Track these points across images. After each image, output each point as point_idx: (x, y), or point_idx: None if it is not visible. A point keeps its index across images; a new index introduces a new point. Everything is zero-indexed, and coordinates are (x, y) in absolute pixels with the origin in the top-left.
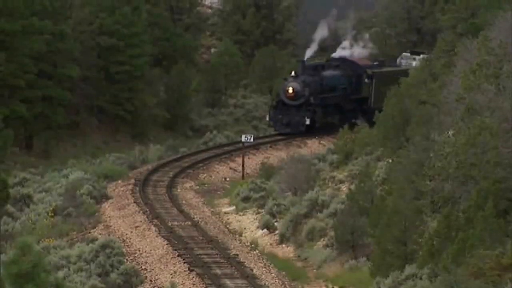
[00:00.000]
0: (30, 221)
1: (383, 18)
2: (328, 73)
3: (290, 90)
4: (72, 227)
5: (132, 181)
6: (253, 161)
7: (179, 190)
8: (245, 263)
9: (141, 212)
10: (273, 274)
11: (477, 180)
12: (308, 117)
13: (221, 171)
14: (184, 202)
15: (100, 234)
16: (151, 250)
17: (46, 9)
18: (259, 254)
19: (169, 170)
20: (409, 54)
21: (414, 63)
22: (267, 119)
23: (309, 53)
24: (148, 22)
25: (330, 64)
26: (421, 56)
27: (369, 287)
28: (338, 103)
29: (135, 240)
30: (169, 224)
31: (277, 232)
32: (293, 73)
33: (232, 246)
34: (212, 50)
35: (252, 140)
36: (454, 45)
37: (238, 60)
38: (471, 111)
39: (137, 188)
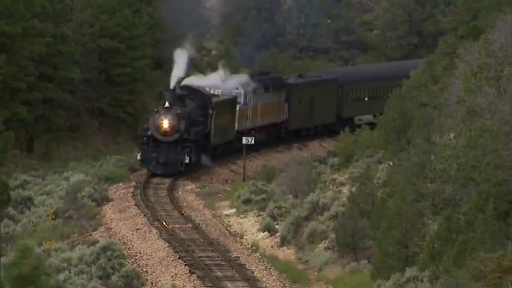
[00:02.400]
0: (31, 224)
1: (384, 21)
2: (189, 103)
3: (166, 125)
4: (73, 230)
5: (133, 183)
6: (254, 164)
7: (180, 193)
8: (246, 266)
9: (142, 214)
10: (274, 277)
11: (477, 182)
12: (187, 155)
13: (222, 174)
14: (185, 204)
15: (101, 237)
16: (152, 252)
17: (46, 11)
18: (260, 256)
19: None
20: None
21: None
22: (138, 158)
23: (175, 79)
24: (149, 24)
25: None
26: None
27: None
28: (201, 138)
29: (136, 242)
30: (170, 226)
31: (278, 234)
32: (167, 103)
33: (233, 249)
34: (213, 52)
35: (253, 142)
36: (455, 48)
37: (238, 62)
38: (471, 114)
39: (138, 191)
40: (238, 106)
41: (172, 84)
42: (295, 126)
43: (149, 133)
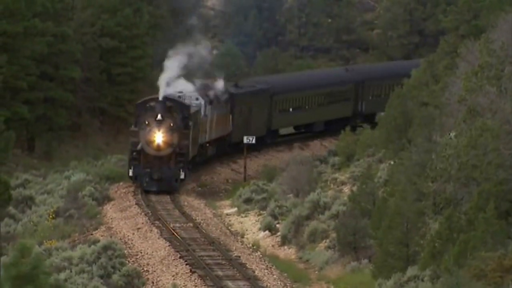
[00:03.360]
0: (32, 223)
1: (385, 20)
2: (175, 115)
3: (159, 139)
4: (74, 229)
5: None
6: (255, 163)
7: (180, 192)
8: (247, 265)
9: (142, 214)
10: (275, 276)
11: (478, 181)
12: (182, 170)
13: (223, 173)
14: (185, 203)
15: (102, 236)
16: (153, 251)
17: (48, 10)
18: (261, 255)
19: None
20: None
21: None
22: (129, 174)
23: (163, 89)
24: (149, 24)
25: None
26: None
27: None
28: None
29: (137, 241)
30: (171, 225)
31: (279, 233)
32: (159, 116)
33: (234, 248)
34: (215, 51)
35: (253, 141)
36: (456, 47)
37: (240, 61)
38: (472, 113)
39: (139, 190)
40: (201, 118)
41: (161, 93)
42: (237, 138)
43: (139, 147)
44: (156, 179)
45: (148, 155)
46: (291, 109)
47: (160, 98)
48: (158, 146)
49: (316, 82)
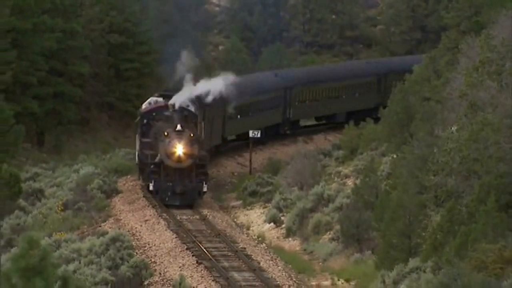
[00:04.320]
0: (41, 215)
1: (388, 16)
2: (191, 125)
3: (180, 151)
4: (82, 221)
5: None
6: (260, 157)
7: None
8: (252, 256)
9: (150, 206)
10: (279, 267)
11: (479, 175)
12: (205, 182)
13: (229, 166)
14: None
15: (110, 228)
16: (160, 243)
17: (56, 7)
18: (266, 247)
19: None
20: (160, 99)
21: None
22: (150, 188)
23: (181, 97)
24: (156, 20)
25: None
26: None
27: (374, 280)
28: None
29: (144, 233)
30: (178, 218)
31: (283, 226)
32: (179, 127)
33: (239, 240)
34: (220, 47)
35: (259, 135)
36: (457, 43)
37: (245, 57)
38: (474, 108)
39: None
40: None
41: (178, 103)
42: (207, 147)
43: (157, 159)
44: (179, 193)
45: (169, 168)
46: (239, 117)
47: (176, 107)
48: (179, 158)
49: (254, 89)
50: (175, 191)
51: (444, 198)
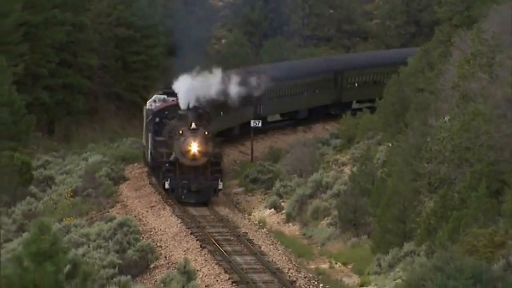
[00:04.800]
0: (52, 201)
1: (384, 11)
2: (205, 123)
3: (195, 149)
4: (91, 207)
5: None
6: (261, 145)
7: None
8: (254, 241)
9: (156, 193)
10: (280, 251)
11: (471, 162)
12: (220, 180)
13: (231, 154)
14: None
15: (117, 213)
16: (165, 228)
17: (66, 1)
18: (267, 232)
19: None
20: (163, 97)
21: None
22: (166, 187)
23: (184, 97)
24: (162, 14)
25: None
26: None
27: (370, 263)
28: None
29: (150, 219)
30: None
31: (283, 211)
32: (193, 125)
33: (241, 225)
34: (223, 41)
35: (260, 125)
36: (450, 36)
37: (247, 50)
38: (465, 98)
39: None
40: None
41: (191, 101)
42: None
43: (172, 158)
44: (194, 191)
45: (184, 166)
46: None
47: (191, 105)
48: (194, 155)
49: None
50: (191, 188)
51: (437, 185)
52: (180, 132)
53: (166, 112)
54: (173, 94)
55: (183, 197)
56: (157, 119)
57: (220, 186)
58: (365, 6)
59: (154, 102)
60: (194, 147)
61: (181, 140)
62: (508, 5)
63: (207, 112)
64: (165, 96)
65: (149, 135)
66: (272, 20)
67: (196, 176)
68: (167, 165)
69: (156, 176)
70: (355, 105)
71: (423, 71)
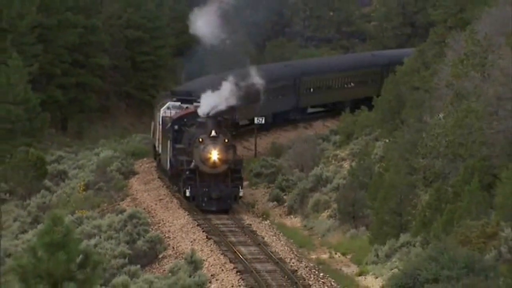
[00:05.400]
0: (65, 194)
1: (381, 13)
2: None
3: (215, 156)
4: (103, 200)
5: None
6: (264, 141)
7: None
8: (257, 232)
9: (164, 186)
10: (282, 242)
11: (464, 158)
12: (241, 187)
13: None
14: None
15: (128, 206)
16: (173, 220)
17: (79, 4)
18: (269, 224)
19: None
20: (178, 104)
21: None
22: (186, 194)
23: (205, 106)
24: (170, 16)
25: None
26: (195, 104)
27: (368, 254)
28: None
29: (159, 211)
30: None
31: (286, 204)
32: (213, 132)
33: (245, 217)
34: (227, 41)
35: (263, 122)
36: (444, 37)
37: (251, 50)
38: (459, 96)
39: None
40: None
41: (210, 109)
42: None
43: (192, 165)
44: (215, 198)
45: (204, 173)
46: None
47: (209, 113)
48: (215, 163)
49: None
50: (211, 196)
51: (432, 179)
52: (200, 140)
53: (185, 120)
54: (187, 101)
55: (203, 204)
56: (176, 127)
57: (241, 193)
58: (363, 9)
59: (168, 109)
60: (215, 154)
61: (201, 148)
62: (499, 7)
63: (226, 120)
64: (180, 103)
65: (168, 142)
66: (274, 22)
67: (216, 184)
68: (187, 172)
69: (175, 183)
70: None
71: (419, 70)
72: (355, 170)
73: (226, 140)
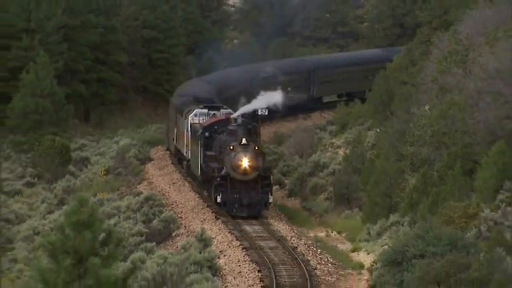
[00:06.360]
0: (87, 179)
1: (373, 15)
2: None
3: (245, 164)
4: (121, 183)
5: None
6: (267, 131)
7: None
8: (261, 213)
9: (177, 171)
10: (283, 222)
11: (448, 145)
12: (270, 194)
13: None
14: None
15: (144, 189)
16: (185, 202)
17: (99, 7)
18: (272, 205)
19: None
20: (205, 111)
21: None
22: (218, 200)
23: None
24: (182, 18)
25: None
26: (221, 110)
27: (361, 232)
28: None
29: (172, 194)
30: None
31: (286, 187)
32: (244, 140)
33: None
34: (235, 41)
35: (266, 113)
36: (430, 37)
37: (255, 49)
38: (443, 90)
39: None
40: None
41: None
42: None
43: (223, 172)
44: (246, 205)
45: (235, 180)
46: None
47: (239, 121)
48: (245, 170)
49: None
50: (242, 203)
51: (419, 164)
52: (231, 147)
53: (216, 127)
54: (214, 107)
55: (234, 210)
56: (207, 134)
57: (270, 200)
58: (357, 11)
59: (196, 116)
60: (245, 162)
61: (232, 155)
62: (479, 10)
63: (256, 127)
64: (207, 110)
65: (199, 149)
66: (276, 23)
67: (247, 190)
68: (218, 179)
69: (206, 189)
70: None
71: (407, 67)
72: (349, 157)
73: (256, 148)
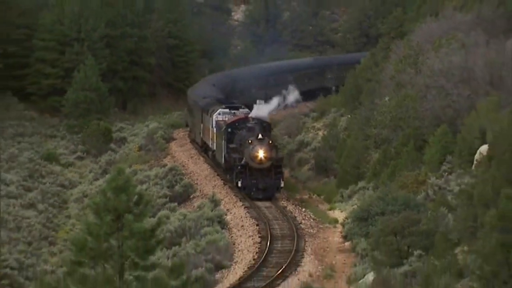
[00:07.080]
0: (125, 154)
1: (345, 28)
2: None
3: (261, 155)
4: (151, 157)
5: (189, 128)
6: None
7: None
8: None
9: (194, 148)
10: None
11: (403, 128)
12: (282, 179)
13: None
14: None
15: (168, 162)
16: (200, 171)
17: (134, 21)
18: None
19: None
20: (227, 110)
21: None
22: (239, 185)
23: (255, 112)
24: (198, 30)
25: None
26: (240, 110)
27: (335, 195)
28: None
29: (190, 165)
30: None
31: None
32: (260, 135)
33: None
34: (238, 47)
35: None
36: (389, 44)
37: (254, 54)
38: (399, 86)
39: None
40: None
41: (259, 115)
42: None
43: (243, 162)
44: (262, 189)
45: (252, 168)
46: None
47: (256, 120)
48: (261, 160)
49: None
50: (258, 187)
51: (380, 143)
52: (250, 141)
53: (237, 124)
54: (234, 107)
55: (252, 193)
56: (229, 130)
57: (282, 185)
58: (332, 24)
59: (219, 114)
60: (261, 153)
61: (250, 148)
62: (427, 24)
63: (269, 125)
64: (229, 110)
65: (223, 142)
66: (270, 33)
67: (262, 177)
68: (239, 167)
69: (229, 174)
70: None
71: (371, 67)
72: (326, 137)
73: (270, 142)
